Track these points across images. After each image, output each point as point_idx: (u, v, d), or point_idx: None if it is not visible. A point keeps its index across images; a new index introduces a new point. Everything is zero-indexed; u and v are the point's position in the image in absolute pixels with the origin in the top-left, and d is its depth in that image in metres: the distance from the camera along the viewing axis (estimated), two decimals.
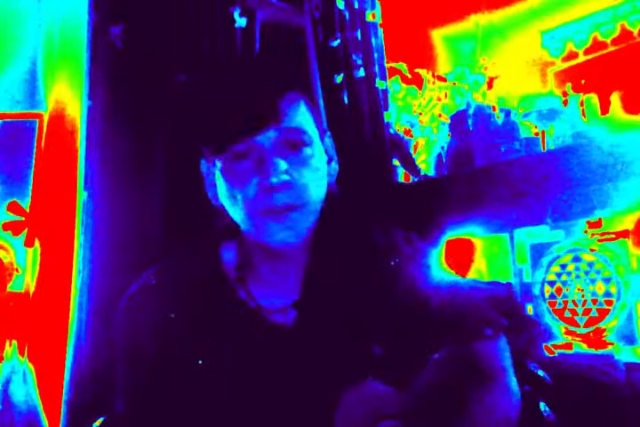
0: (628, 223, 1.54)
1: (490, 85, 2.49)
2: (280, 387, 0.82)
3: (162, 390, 0.84)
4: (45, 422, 1.53)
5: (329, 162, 0.91)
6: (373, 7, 2.02)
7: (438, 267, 0.95)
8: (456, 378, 0.80)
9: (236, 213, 0.84)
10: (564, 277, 1.63)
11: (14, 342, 1.58)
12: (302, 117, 0.84)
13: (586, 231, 1.61)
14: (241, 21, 1.73)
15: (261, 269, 0.89)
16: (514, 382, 0.80)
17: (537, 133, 1.80)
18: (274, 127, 0.80)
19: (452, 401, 0.77)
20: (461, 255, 1.94)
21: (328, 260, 0.90)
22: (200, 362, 0.83)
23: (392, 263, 0.91)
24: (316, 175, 0.84)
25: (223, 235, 0.94)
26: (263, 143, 0.80)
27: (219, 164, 0.84)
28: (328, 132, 0.93)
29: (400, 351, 0.84)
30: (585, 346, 1.55)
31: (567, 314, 1.61)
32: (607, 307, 1.55)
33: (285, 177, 0.79)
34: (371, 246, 0.93)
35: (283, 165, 0.79)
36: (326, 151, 0.90)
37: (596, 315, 1.56)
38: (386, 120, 1.92)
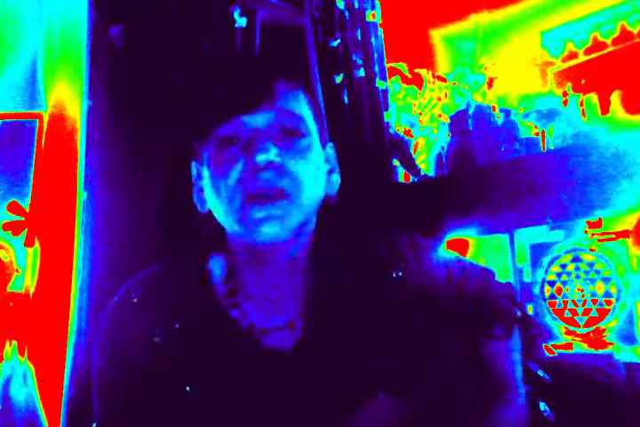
0: (628, 223, 1.54)
1: (490, 85, 2.49)
2: (277, 418, 0.74)
3: (144, 421, 0.76)
4: (45, 422, 1.53)
5: (330, 173, 0.84)
6: (373, 7, 2.02)
7: (444, 262, 0.91)
8: (468, 388, 0.77)
9: (221, 209, 0.76)
10: (564, 278, 1.63)
11: (14, 342, 1.58)
12: (300, 106, 0.77)
13: (586, 231, 1.61)
14: (241, 21, 1.73)
15: (252, 283, 0.81)
16: (522, 390, 0.77)
17: (537, 133, 1.80)
18: (266, 109, 0.73)
19: (465, 413, 0.75)
20: (461, 255, 1.93)
21: (328, 273, 0.82)
22: (187, 389, 0.74)
23: (394, 275, 0.83)
24: (311, 169, 0.76)
25: (211, 247, 0.85)
26: (252, 125, 0.73)
27: (206, 158, 0.77)
28: (330, 143, 0.86)
29: (409, 363, 0.78)
30: (585, 346, 1.55)
31: (567, 314, 1.61)
32: (607, 307, 1.55)
33: (275, 158, 0.71)
34: (373, 258, 0.85)
35: (272, 147, 0.71)
36: (328, 161, 0.83)
37: (596, 315, 1.56)
38: (386, 120, 1.92)
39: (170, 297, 0.80)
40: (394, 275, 0.83)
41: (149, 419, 0.75)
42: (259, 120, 0.73)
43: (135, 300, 0.80)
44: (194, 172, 0.83)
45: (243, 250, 0.79)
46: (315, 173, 0.77)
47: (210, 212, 0.80)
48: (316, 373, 0.75)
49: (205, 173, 0.77)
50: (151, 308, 0.79)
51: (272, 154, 0.70)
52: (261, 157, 0.70)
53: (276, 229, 0.72)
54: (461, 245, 1.93)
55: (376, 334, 0.79)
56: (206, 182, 0.77)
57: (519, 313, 0.82)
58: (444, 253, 0.91)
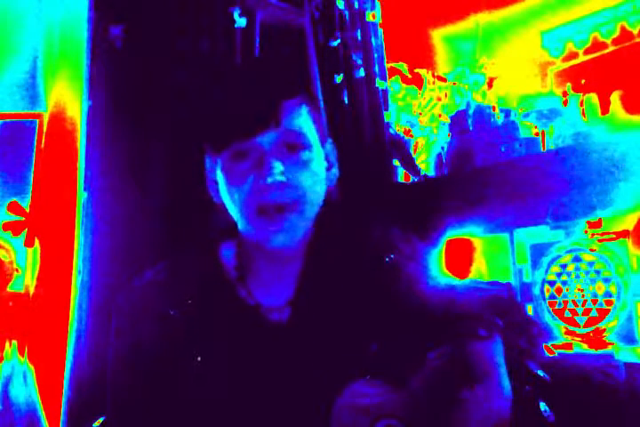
0: (628, 223, 1.54)
1: (490, 85, 2.49)
2: (276, 384, 0.83)
3: (158, 384, 0.85)
4: (45, 422, 1.53)
5: (329, 168, 0.93)
6: (373, 7, 2.02)
7: (436, 267, 0.95)
8: (451, 377, 0.80)
9: (234, 212, 0.86)
10: (563, 278, 1.63)
11: (14, 342, 1.58)
12: (303, 122, 0.86)
13: (586, 231, 1.61)
14: (241, 21, 1.72)
15: (259, 269, 0.91)
16: (506, 381, 0.80)
17: (537, 133, 1.80)
18: (273, 129, 0.82)
19: (448, 400, 0.77)
20: (461, 255, 1.93)
21: (323, 259, 0.91)
22: (198, 358, 0.84)
23: (387, 260, 0.92)
24: (313, 179, 0.86)
25: (223, 235, 0.95)
26: (262, 144, 0.82)
27: (220, 162, 0.86)
28: (329, 139, 0.95)
29: (396, 349, 0.85)
30: (585, 346, 1.55)
31: (567, 314, 1.61)
32: (607, 307, 1.55)
33: (281, 178, 0.81)
34: (366, 243, 0.94)
35: (279, 166, 0.81)
36: (327, 157, 0.92)
37: (596, 315, 1.56)
38: (386, 120, 1.92)
39: (185, 279, 0.90)
40: (386, 259, 0.92)
41: (161, 388, 0.84)
42: (266, 140, 0.83)
43: (157, 281, 0.91)
44: (207, 166, 0.93)
45: (251, 243, 0.89)
46: (317, 181, 0.87)
47: (222, 203, 0.90)
48: (306, 348, 0.85)
49: (220, 175, 0.87)
50: (168, 286, 0.89)
51: (278, 174, 0.81)
52: (268, 180, 0.80)
53: (285, 240, 0.83)
54: (462, 246, 1.93)
55: (365, 318, 0.87)
56: (221, 184, 0.87)
57: (501, 324, 0.85)
58: (434, 262, 0.97)
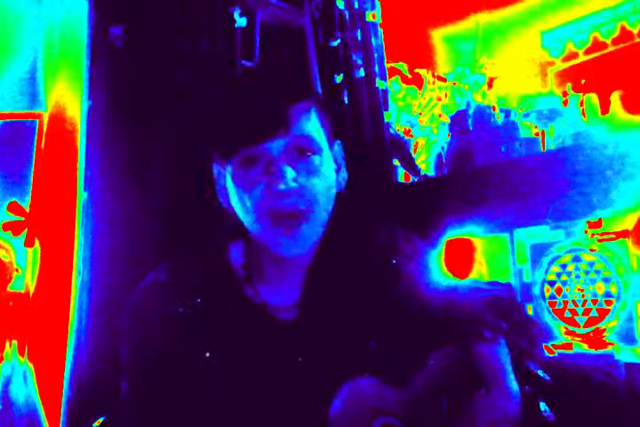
0: (628, 223, 1.54)
1: (490, 85, 2.49)
2: (280, 381, 0.84)
3: (167, 381, 0.85)
4: (45, 422, 1.53)
5: (338, 170, 0.92)
6: (373, 7, 2.02)
7: (437, 268, 0.95)
8: (456, 378, 0.80)
9: (245, 217, 0.86)
10: (563, 278, 1.63)
11: (14, 342, 1.58)
12: (312, 126, 0.85)
13: (586, 231, 1.61)
14: (241, 21, 1.73)
15: (266, 269, 0.91)
16: (514, 384, 0.80)
17: (537, 133, 1.80)
18: (282, 135, 0.82)
19: (452, 401, 0.77)
20: (461, 255, 1.93)
21: (331, 260, 0.92)
22: (207, 355, 0.84)
23: (394, 262, 0.92)
24: (324, 184, 0.85)
25: (231, 235, 0.95)
26: (272, 150, 0.82)
27: (229, 168, 0.86)
28: (338, 141, 0.94)
29: (396, 349, 0.85)
30: (585, 346, 1.55)
31: (567, 314, 1.61)
32: (607, 307, 1.54)
33: (293, 184, 0.81)
34: (373, 245, 0.94)
35: (291, 172, 0.81)
36: (335, 160, 0.92)
37: (596, 315, 1.56)
38: (386, 120, 1.92)
39: (193, 278, 0.90)
40: (393, 261, 0.92)
41: (170, 385, 0.85)
42: (275, 146, 0.82)
43: (162, 281, 0.90)
44: (215, 172, 0.92)
45: (260, 246, 0.89)
46: (328, 185, 0.86)
47: (232, 208, 0.90)
48: (311, 347, 0.86)
49: (229, 181, 0.86)
50: (176, 284, 0.89)
51: (289, 180, 0.80)
52: (281, 186, 0.80)
53: (298, 250, 0.84)
54: (462, 246, 1.93)
55: (371, 319, 0.87)
56: (231, 191, 0.87)
57: (505, 327, 0.84)
58: (435, 262, 0.97)
